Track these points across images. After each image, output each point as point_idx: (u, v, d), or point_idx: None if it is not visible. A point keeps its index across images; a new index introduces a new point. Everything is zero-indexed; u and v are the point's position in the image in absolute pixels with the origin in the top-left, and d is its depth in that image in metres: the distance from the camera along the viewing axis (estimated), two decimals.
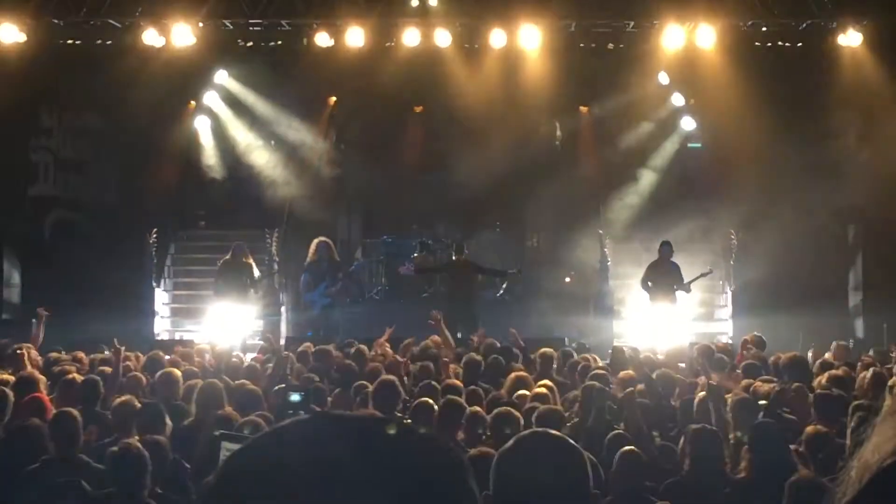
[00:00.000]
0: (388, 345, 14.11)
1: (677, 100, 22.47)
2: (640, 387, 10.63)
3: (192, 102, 22.53)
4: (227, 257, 18.92)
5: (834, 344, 14.37)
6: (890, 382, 9.79)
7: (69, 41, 20.49)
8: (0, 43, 19.78)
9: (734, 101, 20.25)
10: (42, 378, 10.46)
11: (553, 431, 3.48)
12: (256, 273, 19.04)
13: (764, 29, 20.28)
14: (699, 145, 22.73)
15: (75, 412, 8.30)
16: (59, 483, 6.53)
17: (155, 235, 21.19)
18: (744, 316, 19.65)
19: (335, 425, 1.57)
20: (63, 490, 6.43)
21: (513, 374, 11.54)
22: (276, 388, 10.33)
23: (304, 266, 19.53)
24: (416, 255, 21.75)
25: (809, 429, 8.38)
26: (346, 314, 19.56)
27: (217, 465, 4.39)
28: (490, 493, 3.19)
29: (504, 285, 21.31)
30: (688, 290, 19.15)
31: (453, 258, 19.37)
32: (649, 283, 19.08)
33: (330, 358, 13.04)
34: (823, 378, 10.88)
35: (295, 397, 6.91)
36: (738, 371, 12.23)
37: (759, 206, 20.36)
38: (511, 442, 3.36)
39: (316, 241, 19.50)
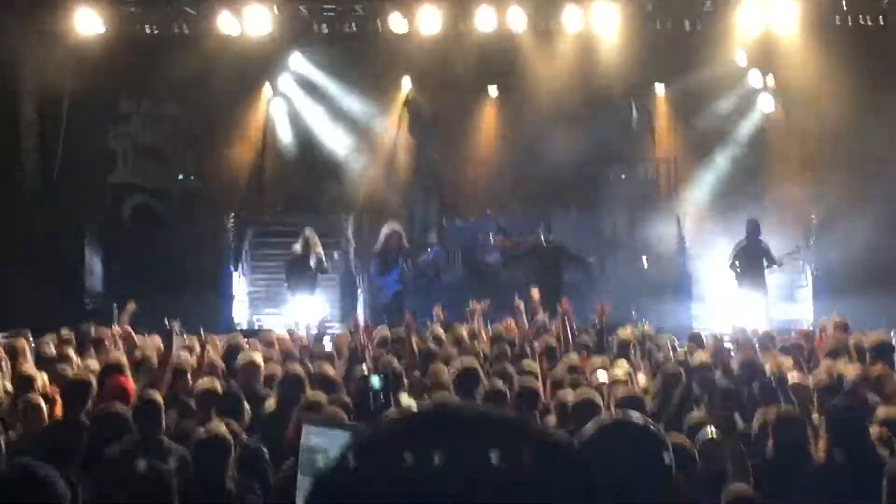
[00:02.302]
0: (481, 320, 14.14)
1: (755, 78, 22.14)
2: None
3: (268, 87, 22.66)
4: (297, 245, 19.16)
5: None
6: None
7: (146, 29, 20.70)
8: (79, 32, 20.05)
9: (814, 79, 19.96)
10: (126, 363, 10.59)
11: (634, 418, 3.44)
12: (325, 261, 19.23)
13: (844, 6, 19.92)
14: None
15: (158, 396, 8.40)
16: (142, 467, 6.60)
17: (233, 220, 21.37)
18: (825, 299, 19.34)
19: (457, 419, 1.53)
20: (147, 474, 6.50)
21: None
22: (357, 371, 10.37)
23: (375, 252, 19.70)
24: (492, 237, 21.69)
25: (880, 411, 8.21)
26: (421, 299, 19.59)
27: (299, 450, 4.37)
28: None
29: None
30: (780, 265, 18.91)
31: (542, 241, 19.36)
32: (737, 264, 18.84)
33: (406, 343, 13.04)
34: None
35: (375, 381, 6.89)
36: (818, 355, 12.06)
37: (840, 185, 20.02)
38: (592, 428, 3.32)
39: (385, 228, 19.61)
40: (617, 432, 3.31)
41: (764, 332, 13.20)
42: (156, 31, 20.77)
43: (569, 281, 19.63)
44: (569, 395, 8.83)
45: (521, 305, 14.24)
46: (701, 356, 11.58)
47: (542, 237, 19.47)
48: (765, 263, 18.82)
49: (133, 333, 12.95)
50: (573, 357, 11.43)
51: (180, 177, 22.72)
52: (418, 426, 1.51)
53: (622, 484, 3.21)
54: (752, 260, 18.79)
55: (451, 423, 1.51)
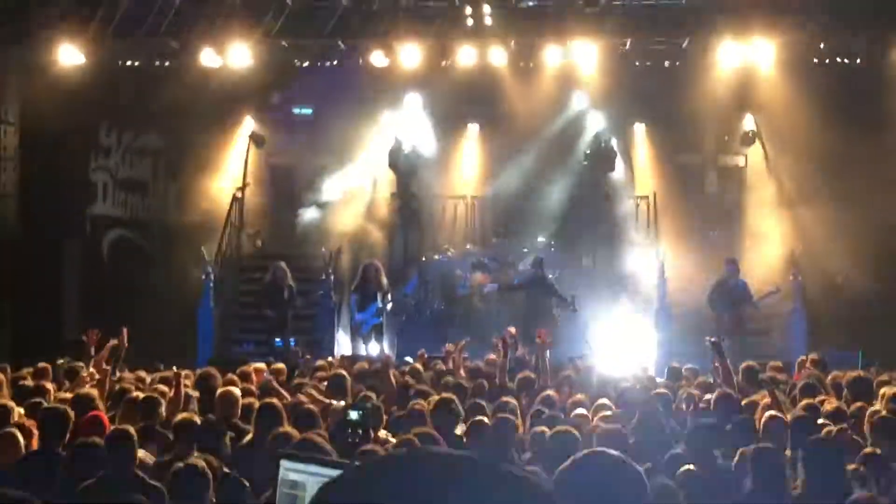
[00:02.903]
0: (463, 356, 14.14)
1: (734, 116, 22.26)
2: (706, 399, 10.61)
3: (249, 120, 22.69)
4: (268, 279, 19.31)
5: None
6: None
7: (128, 62, 20.71)
8: (60, 63, 20.04)
9: (793, 115, 20.10)
10: (97, 395, 10.54)
11: (612, 452, 3.45)
12: (295, 295, 19.39)
13: (822, 45, 20.08)
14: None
15: (131, 429, 8.35)
16: (114, 501, 6.57)
17: (212, 254, 21.33)
18: (805, 334, 19.40)
19: (426, 464, 1.54)
20: None
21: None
22: (333, 406, 10.35)
23: (353, 287, 19.79)
24: (471, 274, 21.71)
25: (867, 449, 8.27)
26: (401, 333, 19.60)
27: (275, 484, 4.38)
28: None
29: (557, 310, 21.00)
30: (758, 309, 19.05)
31: (535, 276, 19.48)
32: (715, 301, 18.99)
33: (385, 377, 13.02)
34: (884, 398, 10.73)
35: (353, 415, 6.88)
36: (796, 391, 12.09)
37: (821, 221, 20.12)
38: (569, 462, 3.34)
39: (363, 264, 19.71)
40: (593, 467, 3.32)
41: (745, 366, 13.18)
42: (137, 65, 20.77)
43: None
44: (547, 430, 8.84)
45: (500, 342, 14.26)
46: (687, 389, 11.64)
47: (533, 272, 19.60)
48: (743, 305, 18.95)
49: (106, 372, 12.84)
50: (551, 392, 11.46)
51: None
52: (390, 470, 1.53)
53: None
54: (730, 297, 18.89)
55: (421, 468, 1.53)
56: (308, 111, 23.04)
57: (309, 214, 22.51)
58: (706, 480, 7.54)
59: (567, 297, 19.94)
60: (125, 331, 13.01)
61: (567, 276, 20.89)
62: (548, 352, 13.11)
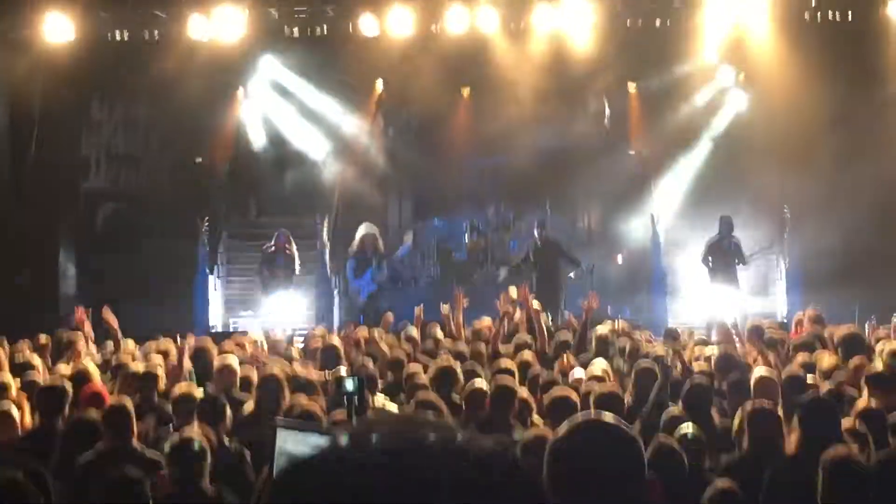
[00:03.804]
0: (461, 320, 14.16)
1: (726, 74, 22.21)
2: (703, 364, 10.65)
3: (241, 90, 22.60)
4: (270, 245, 19.31)
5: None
6: None
7: (117, 34, 20.59)
8: (49, 38, 19.92)
9: (785, 74, 20.04)
10: (95, 369, 10.56)
11: (607, 418, 3.45)
12: (297, 262, 19.37)
13: (813, 2, 19.98)
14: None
15: (128, 402, 8.37)
16: (112, 473, 6.59)
17: (206, 224, 21.33)
18: (799, 292, 19.45)
19: (403, 452, 1.55)
20: (119, 481, 6.49)
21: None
22: (330, 374, 10.38)
23: (350, 253, 19.76)
24: (467, 238, 21.75)
25: (859, 403, 8.29)
26: (397, 299, 19.59)
27: (273, 453, 4.37)
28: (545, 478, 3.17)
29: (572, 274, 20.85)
30: (745, 263, 19.10)
31: (537, 239, 19.43)
32: (710, 259, 19.01)
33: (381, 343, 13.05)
34: (880, 353, 10.76)
35: (349, 385, 6.89)
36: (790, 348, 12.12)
37: (813, 180, 20.12)
38: (564, 428, 3.33)
39: (360, 230, 19.65)
40: (589, 432, 3.32)
41: (751, 325, 13.15)
42: (126, 37, 20.65)
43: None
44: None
45: (499, 303, 14.28)
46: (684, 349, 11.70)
47: (537, 235, 19.55)
48: (736, 262, 19.00)
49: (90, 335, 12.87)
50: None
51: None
52: (369, 448, 1.55)
53: (595, 483, 3.22)
54: (724, 257, 18.93)
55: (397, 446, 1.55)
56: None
57: (299, 176, 22.44)
58: (703, 440, 7.56)
59: (578, 260, 19.83)
60: (105, 309, 13.06)
61: (563, 236, 20.88)
62: (548, 314, 13.13)
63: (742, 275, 19.26)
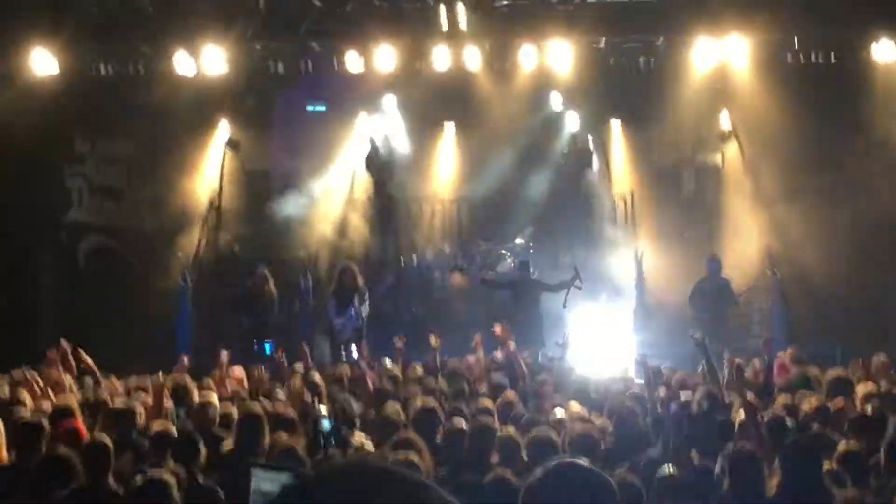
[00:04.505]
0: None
1: (710, 114, 22.26)
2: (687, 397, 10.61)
3: (224, 124, 22.54)
4: (249, 284, 19.23)
5: (875, 358, 14.08)
6: None
7: (101, 69, 20.58)
8: (33, 71, 19.92)
9: (769, 114, 20.14)
10: (76, 406, 10.48)
11: (581, 462, 3.42)
12: (275, 302, 19.30)
13: (796, 44, 20.09)
14: None
15: (107, 440, 8.30)
16: None
17: (189, 260, 21.24)
18: (784, 332, 19.44)
19: (378, 484, 1.55)
20: None
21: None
22: (309, 414, 10.31)
23: (331, 292, 19.69)
24: (450, 275, 21.72)
25: (841, 446, 8.25)
26: (378, 336, 19.49)
27: (249, 494, 4.32)
28: None
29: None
30: (736, 304, 19.19)
31: (521, 276, 19.47)
32: (696, 301, 19.06)
33: (364, 381, 12.99)
34: (862, 395, 10.74)
35: (325, 425, 6.85)
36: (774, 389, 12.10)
37: (800, 218, 20.17)
38: (539, 473, 3.31)
39: (339, 268, 19.61)
40: (563, 476, 3.29)
41: (734, 365, 13.11)
42: (111, 71, 20.65)
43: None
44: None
45: (479, 342, 14.26)
46: (660, 391, 11.62)
47: (521, 275, 19.67)
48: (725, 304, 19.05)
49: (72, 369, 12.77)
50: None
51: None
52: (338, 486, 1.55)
53: None
54: (711, 299, 18.94)
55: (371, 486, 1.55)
56: (322, 108, 22.76)
57: (285, 213, 22.35)
58: (683, 482, 7.52)
59: (567, 279, 19.73)
60: (64, 346, 12.94)
61: (545, 276, 20.85)
62: (526, 353, 13.10)
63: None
